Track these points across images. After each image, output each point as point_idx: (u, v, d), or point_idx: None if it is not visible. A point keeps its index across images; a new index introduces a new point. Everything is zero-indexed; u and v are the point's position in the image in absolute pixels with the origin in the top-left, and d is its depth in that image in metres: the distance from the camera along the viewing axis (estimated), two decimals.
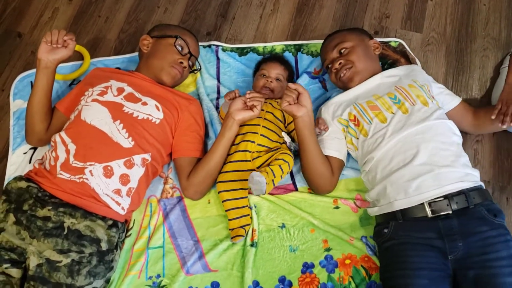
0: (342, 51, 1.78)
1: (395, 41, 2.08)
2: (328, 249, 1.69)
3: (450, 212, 1.42)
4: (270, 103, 1.80)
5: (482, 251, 1.38)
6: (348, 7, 2.20)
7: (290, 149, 1.76)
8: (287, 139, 1.76)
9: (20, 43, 2.13)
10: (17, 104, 1.98)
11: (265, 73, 1.85)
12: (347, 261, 1.67)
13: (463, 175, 1.48)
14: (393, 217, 1.51)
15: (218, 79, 2.01)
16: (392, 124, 1.57)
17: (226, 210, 1.70)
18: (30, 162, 1.85)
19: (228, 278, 1.65)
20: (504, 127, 1.61)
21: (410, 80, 1.71)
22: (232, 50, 2.09)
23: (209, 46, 2.08)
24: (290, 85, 1.61)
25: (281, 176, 1.64)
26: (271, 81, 1.83)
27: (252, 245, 1.68)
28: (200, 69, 1.97)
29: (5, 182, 1.80)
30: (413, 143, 1.52)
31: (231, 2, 2.22)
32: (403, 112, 1.59)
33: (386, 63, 2.01)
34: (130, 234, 1.72)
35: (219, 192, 1.72)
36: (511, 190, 1.79)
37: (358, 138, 1.65)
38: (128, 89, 1.68)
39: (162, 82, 1.78)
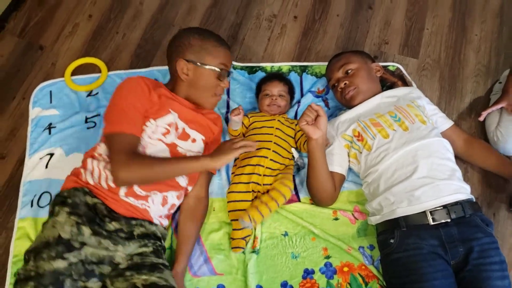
0: (348, 71, 1.90)
1: (393, 66, 2.23)
2: (328, 257, 1.80)
3: (449, 220, 1.55)
4: (278, 120, 1.92)
5: (479, 255, 1.51)
6: (350, 33, 2.35)
7: (297, 165, 1.90)
8: (295, 155, 1.89)
9: (42, 55, 2.24)
10: (35, 112, 2.08)
11: (268, 92, 1.97)
12: (345, 269, 1.77)
13: (459, 187, 1.62)
14: (396, 225, 1.62)
15: (228, 94, 2.13)
16: (395, 140, 1.70)
17: (232, 220, 1.80)
18: (46, 167, 1.95)
19: (233, 282, 1.74)
20: None
21: (408, 100, 1.85)
22: (241, 68, 2.22)
23: None
24: (313, 105, 1.70)
25: (275, 207, 1.76)
26: (275, 99, 1.95)
27: (253, 252, 1.78)
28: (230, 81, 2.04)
29: (22, 186, 1.91)
30: (413, 158, 1.65)
31: (242, 24, 2.36)
32: (403, 129, 1.72)
33: (385, 85, 2.14)
34: None
35: (228, 202, 1.82)
36: (497, 206, 1.92)
37: (361, 152, 1.77)
38: (181, 125, 1.70)
39: (203, 107, 1.80)
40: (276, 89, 1.97)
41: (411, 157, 1.66)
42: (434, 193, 1.59)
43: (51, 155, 1.98)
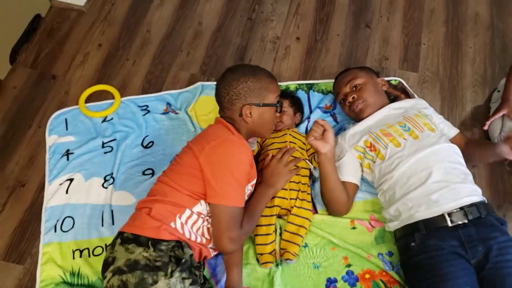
0: (355, 86, 1.98)
1: (395, 80, 2.33)
2: (349, 265, 1.84)
3: (467, 221, 1.61)
4: (290, 134, 1.98)
5: (497, 253, 1.56)
6: (352, 51, 2.46)
7: (313, 175, 1.96)
8: (311, 167, 1.95)
9: (54, 84, 2.30)
10: (52, 139, 2.13)
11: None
12: (367, 276, 1.82)
13: (473, 190, 1.70)
14: (416, 229, 1.67)
15: None
16: (407, 148, 1.77)
17: (255, 235, 1.83)
18: (67, 192, 1.98)
19: None
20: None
21: (416, 110, 1.94)
22: None
23: None
24: (318, 120, 1.77)
25: (305, 233, 1.85)
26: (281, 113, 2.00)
27: (277, 265, 1.81)
28: None
29: (43, 212, 1.94)
30: (427, 164, 1.72)
31: (247, 47, 2.46)
32: (414, 138, 1.80)
33: (389, 98, 2.23)
34: None
35: None
36: (506, 208, 2.01)
37: (375, 162, 1.84)
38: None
39: (259, 137, 1.92)
40: (285, 104, 2.04)
41: (424, 163, 1.73)
42: (452, 196, 1.65)
43: (71, 180, 2.02)
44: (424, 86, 2.35)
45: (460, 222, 1.62)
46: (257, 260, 1.82)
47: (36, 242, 1.89)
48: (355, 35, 2.52)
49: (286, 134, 1.98)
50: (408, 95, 2.26)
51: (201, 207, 1.58)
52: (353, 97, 1.96)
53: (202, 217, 1.59)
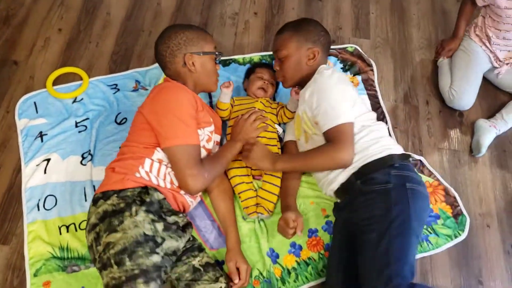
0: (280, 58, 1.90)
1: (351, 47, 2.49)
2: (327, 216, 1.97)
3: None
4: (260, 102, 2.07)
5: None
6: None
7: (281, 138, 2.07)
8: (279, 130, 2.05)
9: (17, 70, 2.28)
10: (23, 123, 2.12)
11: (263, 76, 2.11)
12: None
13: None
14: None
15: None
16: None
17: (239, 193, 1.92)
18: (45, 172, 1.98)
19: (248, 249, 1.87)
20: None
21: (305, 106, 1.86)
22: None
23: None
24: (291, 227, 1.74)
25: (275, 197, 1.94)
26: (266, 83, 2.09)
27: (261, 221, 1.93)
28: None
29: (24, 192, 1.94)
30: None
31: (207, 24, 2.54)
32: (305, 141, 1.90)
33: (347, 64, 2.40)
34: None
35: (230, 178, 1.94)
36: None
37: None
38: (213, 130, 1.83)
39: (208, 91, 1.98)
40: (268, 75, 2.13)
41: None
42: None
43: (48, 160, 2.02)
44: (377, 51, 2.53)
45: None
46: (243, 216, 1.93)
47: (20, 222, 1.89)
48: (309, 8, 2.66)
49: (257, 101, 2.08)
50: (364, 60, 2.43)
51: (160, 154, 1.66)
52: (277, 69, 1.95)
53: (164, 164, 1.65)
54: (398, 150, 1.74)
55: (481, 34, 2.33)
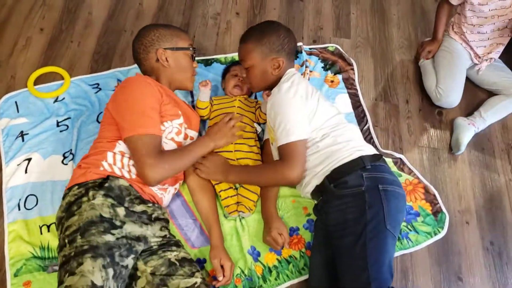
0: (245, 68, 1.90)
1: (332, 46, 2.51)
2: (309, 214, 1.99)
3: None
4: (239, 100, 2.08)
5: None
6: (288, 23, 2.61)
7: (259, 137, 2.07)
8: (258, 129, 2.06)
9: None
10: (3, 122, 2.10)
11: (237, 73, 2.12)
12: None
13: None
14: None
15: None
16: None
17: (219, 191, 1.93)
18: (26, 172, 1.97)
19: (230, 247, 1.88)
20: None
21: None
22: (198, 61, 2.37)
23: None
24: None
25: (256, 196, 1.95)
26: (241, 80, 2.09)
27: (242, 218, 1.93)
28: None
29: (4, 192, 1.92)
30: None
31: (190, 24, 2.54)
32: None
33: (328, 63, 2.42)
34: None
35: None
36: None
37: None
38: (184, 124, 1.84)
39: (184, 89, 1.97)
40: (243, 71, 2.13)
41: None
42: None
43: (29, 160, 2.00)
44: (358, 51, 2.55)
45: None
46: (224, 215, 1.93)
47: (0, 222, 1.87)
48: (290, 8, 2.68)
49: (235, 99, 2.08)
50: (344, 59, 2.45)
51: (121, 146, 1.67)
52: (243, 76, 2.00)
53: (127, 157, 1.66)
54: (370, 151, 1.75)
55: (459, 31, 2.38)
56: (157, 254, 1.61)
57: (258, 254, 1.89)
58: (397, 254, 1.94)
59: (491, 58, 2.36)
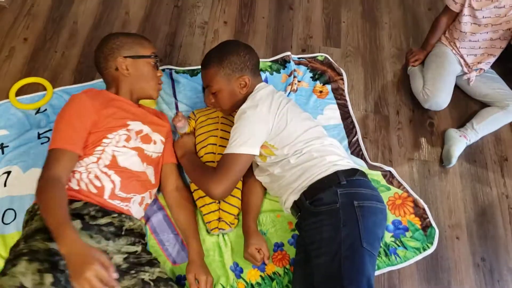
0: (213, 92, 1.85)
1: (321, 55, 2.46)
2: (294, 229, 1.93)
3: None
4: None
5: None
6: (277, 32, 2.57)
7: None
8: None
9: None
10: None
11: None
12: None
13: None
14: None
15: (175, 96, 2.24)
16: None
17: (200, 207, 1.89)
18: (5, 185, 1.93)
19: (212, 263, 1.83)
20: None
21: None
22: (184, 72, 2.33)
23: (163, 70, 2.31)
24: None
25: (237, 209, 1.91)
26: None
27: (224, 234, 1.89)
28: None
29: None
30: None
31: (176, 33, 2.50)
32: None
33: (317, 73, 2.37)
34: None
35: (193, 191, 1.91)
36: None
37: None
38: (146, 129, 1.79)
39: (149, 98, 1.91)
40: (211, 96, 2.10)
41: None
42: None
43: (8, 173, 1.96)
44: (348, 60, 2.50)
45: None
46: (207, 230, 1.89)
47: None
48: (279, 16, 2.64)
49: (216, 110, 2.04)
50: (334, 69, 2.40)
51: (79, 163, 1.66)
52: (212, 101, 1.89)
53: (80, 172, 1.62)
54: (345, 165, 1.70)
55: (450, 37, 2.33)
56: (130, 274, 1.54)
57: (241, 271, 1.84)
58: (384, 270, 1.88)
59: (481, 69, 2.30)
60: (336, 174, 1.63)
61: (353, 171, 1.68)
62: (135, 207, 1.71)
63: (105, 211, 1.59)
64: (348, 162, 1.73)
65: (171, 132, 2.01)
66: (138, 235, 1.68)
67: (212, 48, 1.90)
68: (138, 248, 1.64)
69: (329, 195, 1.60)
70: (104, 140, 1.66)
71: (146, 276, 1.56)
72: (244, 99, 1.79)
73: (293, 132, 1.72)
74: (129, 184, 1.67)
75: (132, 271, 1.55)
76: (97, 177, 1.62)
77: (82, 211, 1.55)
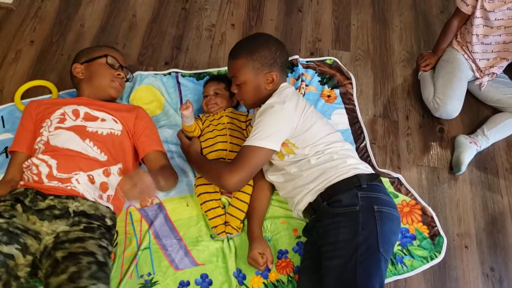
0: (238, 84, 1.82)
1: (330, 59, 2.43)
2: (299, 237, 1.91)
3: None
4: (226, 115, 2.03)
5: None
6: (286, 34, 2.54)
7: None
8: None
9: None
10: None
11: (206, 93, 2.09)
12: None
13: None
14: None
15: (181, 101, 2.22)
16: None
17: (205, 211, 1.87)
18: None
19: (215, 269, 1.82)
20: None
21: None
22: (190, 75, 2.32)
23: (169, 73, 2.30)
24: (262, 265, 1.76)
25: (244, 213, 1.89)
26: (210, 98, 2.05)
27: (230, 240, 1.86)
28: (133, 77, 2.21)
29: None
30: None
31: (184, 36, 2.48)
32: None
33: (325, 77, 2.34)
34: (117, 243, 1.84)
35: (198, 195, 1.89)
36: None
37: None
38: (83, 109, 1.82)
39: (108, 97, 1.95)
40: (211, 88, 2.09)
41: None
42: None
43: None
44: (357, 64, 2.46)
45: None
46: (211, 235, 1.87)
47: None
48: (288, 19, 2.61)
49: (222, 116, 2.03)
50: (343, 73, 2.37)
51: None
52: (235, 92, 1.87)
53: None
54: (366, 170, 1.68)
55: (462, 40, 2.28)
56: (50, 255, 1.51)
57: (244, 277, 1.82)
58: (390, 279, 1.84)
59: (493, 73, 2.24)
60: (357, 177, 1.62)
61: (374, 176, 1.67)
62: (83, 186, 1.67)
63: (42, 195, 1.61)
64: (366, 167, 1.71)
65: (152, 124, 1.97)
66: (93, 216, 1.64)
67: (243, 38, 1.89)
68: (78, 227, 1.59)
69: (349, 197, 1.58)
70: (41, 130, 1.78)
71: (59, 254, 1.50)
72: (268, 96, 1.77)
73: (317, 133, 1.72)
74: (67, 163, 1.67)
75: (52, 251, 1.52)
76: (35, 165, 1.66)
77: (22, 195, 1.61)
